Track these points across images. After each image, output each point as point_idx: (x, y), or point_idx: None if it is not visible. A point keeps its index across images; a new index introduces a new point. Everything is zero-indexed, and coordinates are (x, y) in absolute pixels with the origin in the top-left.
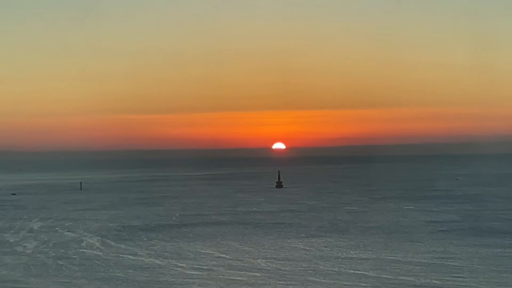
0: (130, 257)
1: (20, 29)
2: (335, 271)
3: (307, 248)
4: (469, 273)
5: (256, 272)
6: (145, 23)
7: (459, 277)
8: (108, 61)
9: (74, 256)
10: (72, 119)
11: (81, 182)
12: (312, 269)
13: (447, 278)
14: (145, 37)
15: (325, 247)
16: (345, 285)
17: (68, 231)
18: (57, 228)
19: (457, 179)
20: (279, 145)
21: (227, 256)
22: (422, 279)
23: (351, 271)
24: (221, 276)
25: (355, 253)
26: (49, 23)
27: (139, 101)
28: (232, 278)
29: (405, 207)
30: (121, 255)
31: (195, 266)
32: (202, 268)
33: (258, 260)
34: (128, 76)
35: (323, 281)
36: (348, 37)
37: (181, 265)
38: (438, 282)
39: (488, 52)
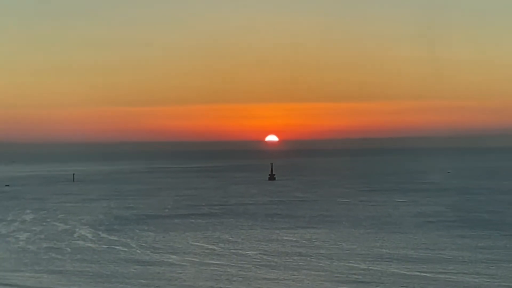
0: (122, 249)
1: (13, 22)
2: (322, 264)
3: (297, 239)
4: (456, 265)
5: (245, 263)
6: (142, 15)
7: (446, 269)
8: (103, 54)
9: (66, 248)
10: (65, 111)
11: (73, 174)
12: (301, 261)
13: (436, 270)
14: (141, 30)
15: (314, 239)
16: (336, 277)
17: (60, 223)
18: (49, 220)
19: (449, 172)
20: (272, 138)
21: (216, 248)
22: (411, 271)
23: (341, 263)
24: (212, 268)
25: (345, 245)
26: (42, 15)
27: (133, 94)
28: (222, 270)
29: (397, 200)
30: (113, 247)
31: (185, 259)
32: (193, 261)
33: (248, 252)
34: (122, 68)
35: (312, 273)
36: (343, 31)
37: (172, 257)
38: (427, 274)
39: (485, 47)
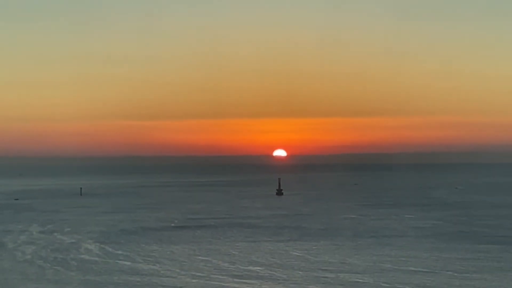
0: (127, 263)
1: (20, 35)
2: (326, 276)
3: (300, 254)
4: (454, 279)
5: (248, 278)
6: (145, 30)
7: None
8: (109, 68)
9: (72, 261)
10: (71, 124)
11: (81, 188)
12: (306, 275)
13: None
14: (145, 45)
15: (318, 253)
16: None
17: (67, 236)
18: (56, 233)
19: (456, 188)
20: (280, 153)
21: (222, 263)
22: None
23: (345, 276)
24: (215, 283)
25: (350, 260)
26: (49, 29)
27: (139, 108)
28: (224, 284)
29: (406, 216)
30: (119, 261)
31: (190, 273)
32: (197, 275)
33: (250, 267)
34: (128, 82)
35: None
36: (351, 44)
37: (177, 271)
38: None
39: (493, 61)
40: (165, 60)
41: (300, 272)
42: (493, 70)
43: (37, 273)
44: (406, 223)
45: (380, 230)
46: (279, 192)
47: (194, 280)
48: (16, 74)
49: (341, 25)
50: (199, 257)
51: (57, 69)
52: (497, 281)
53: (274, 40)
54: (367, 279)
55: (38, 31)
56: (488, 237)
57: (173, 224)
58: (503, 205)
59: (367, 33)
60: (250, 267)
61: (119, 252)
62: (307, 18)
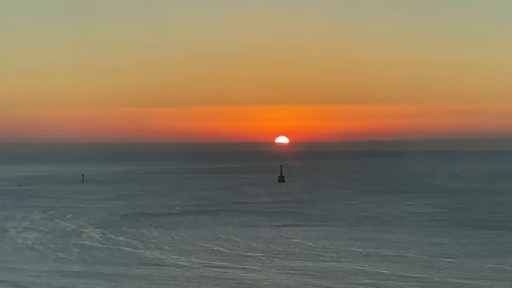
0: (129, 249)
1: (22, 22)
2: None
3: (301, 240)
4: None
5: (248, 264)
6: (149, 17)
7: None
8: (111, 55)
9: (73, 248)
10: (74, 112)
11: (83, 175)
12: (306, 261)
13: (438, 272)
14: (149, 32)
15: (319, 239)
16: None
17: (69, 222)
18: (58, 219)
19: (458, 175)
20: (282, 139)
21: (223, 249)
22: (419, 274)
23: (345, 263)
24: (216, 269)
25: (350, 247)
26: (54, 16)
27: (142, 95)
28: (224, 270)
29: (406, 203)
30: (120, 247)
31: (191, 259)
32: (197, 262)
33: (250, 253)
34: (130, 70)
35: (321, 275)
36: (354, 34)
37: (177, 257)
38: (436, 278)
39: (488, 49)
40: (167, 47)
41: (300, 258)
42: (501, 58)
43: (39, 258)
44: (406, 209)
45: (380, 216)
46: (281, 179)
47: (194, 266)
48: (17, 62)
49: (344, 12)
50: (200, 243)
51: (58, 57)
52: (492, 264)
53: (276, 27)
54: (367, 266)
55: (39, 18)
56: (485, 223)
57: (174, 211)
58: (503, 192)
59: (368, 20)
60: (250, 253)
61: (121, 238)
62: (309, 5)
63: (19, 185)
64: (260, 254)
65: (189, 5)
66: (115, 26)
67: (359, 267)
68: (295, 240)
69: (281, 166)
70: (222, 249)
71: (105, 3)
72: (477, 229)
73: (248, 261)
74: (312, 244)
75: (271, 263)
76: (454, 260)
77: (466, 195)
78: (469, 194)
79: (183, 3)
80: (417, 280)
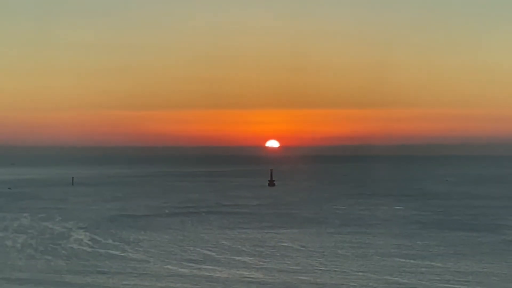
0: (117, 252)
1: (15, 25)
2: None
3: (289, 243)
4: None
5: (236, 267)
6: (144, 19)
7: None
8: (104, 57)
9: (62, 251)
10: (64, 114)
11: (73, 178)
12: (295, 264)
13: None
14: (143, 34)
15: (307, 242)
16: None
17: (58, 226)
18: (47, 223)
19: (446, 180)
20: (272, 143)
21: (210, 253)
22: (407, 279)
23: (332, 265)
24: (204, 273)
25: (338, 250)
26: (47, 18)
27: (133, 98)
28: (213, 274)
29: (394, 206)
30: (108, 250)
31: (183, 263)
32: (185, 264)
33: (237, 257)
34: (122, 72)
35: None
36: (347, 37)
37: (165, 260)
38: (419, 283)
39: (484, 53)
40: (159, 50)
41: (288, 260)
42: (488, 62)
43: (27, 261)
44: (393, 213)
45: (367, 219)
46: (271, 183)
47: (182, 269)
48: (8, 64)
49: (335, 17)
50: (189, 246)
51: (49, 60)
52: (472, 264)
53: (268, 32)
54: (354, 268)
55: (32, 20)
56: (468, 225)
57: (163, 214)
58: (488, 196)
59: (355, 25)
60: (238, 257)
61: (109, 241)
62: (305, 11)
63: (9, 188)
64: (247, 257)
65: (181, 8)
66: (107, 27)
67: (345, 269)
68: (283, 243)
69: (271, 170)
70: (208, 252)
71: (98, 5)
72: (455, 231)
73: (235, 263)
74: (299, 247)
75: (258, 265)
76: (427, 262)
77: (452, 198)
78: (455, 198)
79: (174, 5)
80: (404, 284)
